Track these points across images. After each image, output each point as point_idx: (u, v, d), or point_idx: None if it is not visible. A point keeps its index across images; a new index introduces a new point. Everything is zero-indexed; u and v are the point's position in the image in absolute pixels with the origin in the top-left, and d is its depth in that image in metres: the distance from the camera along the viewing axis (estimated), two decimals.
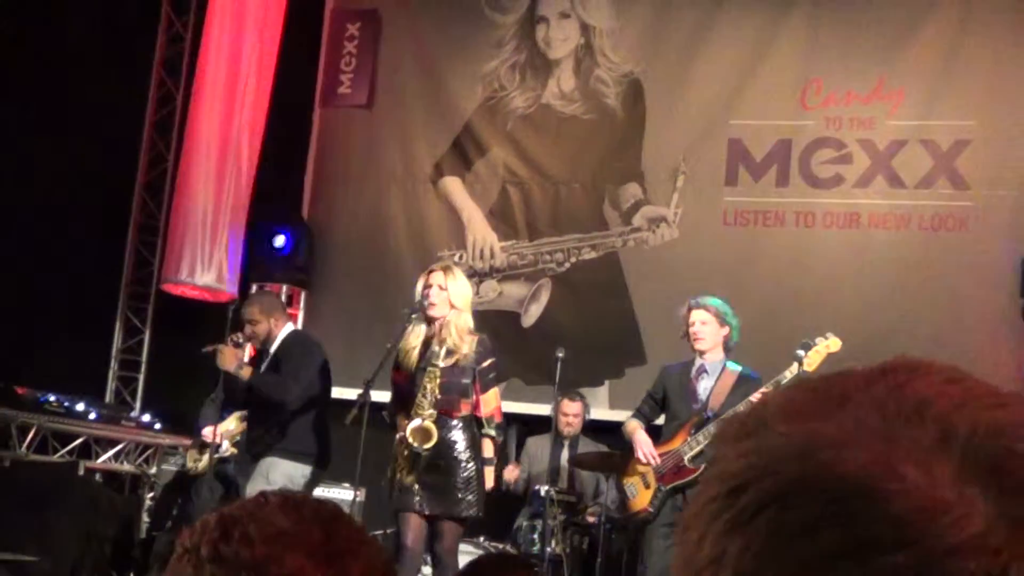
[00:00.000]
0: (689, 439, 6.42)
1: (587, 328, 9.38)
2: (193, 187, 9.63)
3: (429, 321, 6.28)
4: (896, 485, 0.60)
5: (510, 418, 7.24)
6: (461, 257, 9.74)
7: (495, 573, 3.24)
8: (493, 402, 6.40)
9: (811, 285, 8.99)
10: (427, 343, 6.26)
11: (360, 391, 6.33)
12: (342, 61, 10.42)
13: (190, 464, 8.00)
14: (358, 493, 7.66)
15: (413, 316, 6.33)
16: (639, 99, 9.69)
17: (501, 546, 7.44)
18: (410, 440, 6.09)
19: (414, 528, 6.15)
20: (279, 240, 9.92)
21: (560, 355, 7.05)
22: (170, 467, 9.03)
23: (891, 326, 8.54)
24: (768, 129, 9.32)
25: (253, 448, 7.05)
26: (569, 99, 9.86)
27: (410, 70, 10.30)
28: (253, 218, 9.90)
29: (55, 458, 8.46)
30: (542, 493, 7.43)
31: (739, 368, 6.58)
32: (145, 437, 9.14)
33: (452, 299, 6.22)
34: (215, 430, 7.28)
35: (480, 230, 9.90)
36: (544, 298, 9.68)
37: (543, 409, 8.22)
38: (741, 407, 6.23)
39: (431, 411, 6.14)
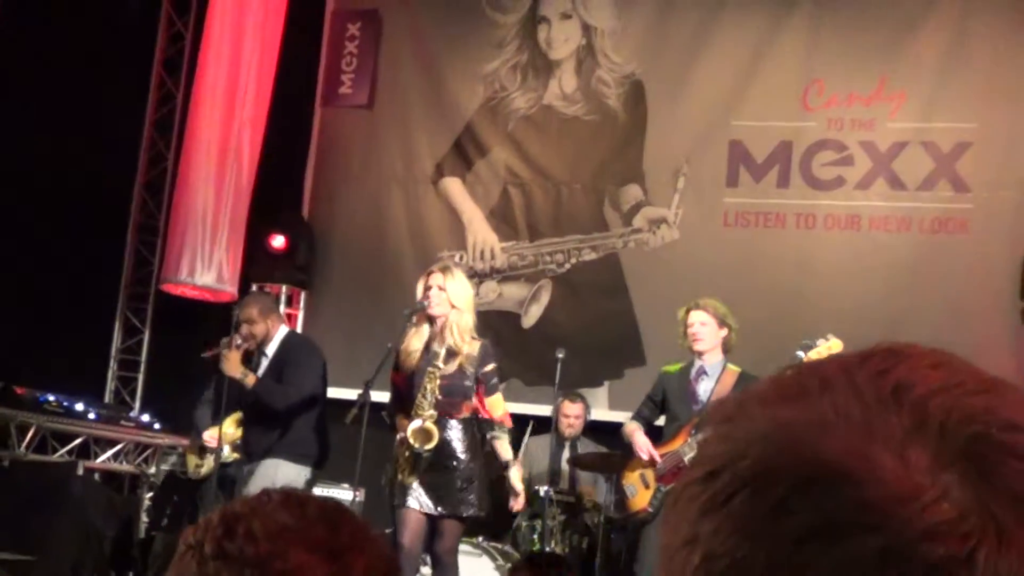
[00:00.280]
0: (690, 440, 6.42)
1: (587, 329, 9.38)
2: (193, 187, 9.62)
3: (430, 322, 6.28)
4: (868, 470, 0.60)
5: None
6: (461, 258, 9.73)
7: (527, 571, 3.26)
8: (500, 407, 6.39)
9: (812, 287, 8.98)
10: (428, 344, 6.26)
11: (360, 391, 6.34)
12: (343, 61, 10.41)
13: (191, 469, 8.00)
14: (357, 493, 7.66)
15: (413, 318, 6.32)
16: (640, 100, 9.69)
17: (500, 546, 7.43)
18: (411, 441, 6.09)
19: (412, 527, 6.15)
20: (279, 240, 9.91)
21: (560, 356, 7.05)
22: (167, 467, 9.04)
23: (891, 328, 8.52)
24: (769, 130, 9.32)
25: (251, 448, 7.05)
26: (570, 100, 9.86)
27: (411, 70, 10.29)
28: (253, 218, 9.88)
29: (54, 458, 8.45)
30: (541, 494, 7.43)
31: (739, 369, 6.58)
32: (144, 437, 9.13)
33: (452, 299, 6.21)
34: (219, 436, 7.30)
35: (480, 231, 9.89)
36: (544, 299, 9.68)
37: (543, 410, 8.22)
38: None
39: (431, 412, 6.13)
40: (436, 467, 6.15)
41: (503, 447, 6.40)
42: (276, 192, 10.21)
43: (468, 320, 6.27)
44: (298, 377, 6.94)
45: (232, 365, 6.88)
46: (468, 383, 6.24)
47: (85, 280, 9.99)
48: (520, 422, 8.61)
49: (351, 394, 6.76)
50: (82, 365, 10.02)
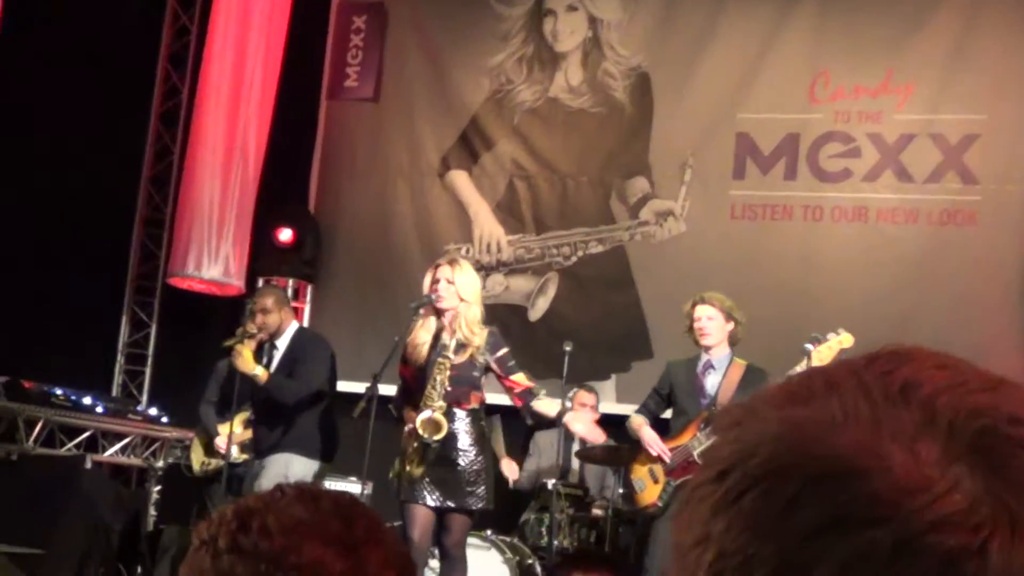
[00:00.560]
0: (698, 434, 6.40)
1: (594, 322, 9.37)
2: (199, 181, 9.63)
3: (438, 315, 6.27)
4: (878, 464, 0.60)
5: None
6: (468, 251, 9.73)
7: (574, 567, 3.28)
8: (525, 379, 6.33)
9: (819, 280, 8.97)
10: (437, 337, 6.25)
11: (367, 384, 6.35)
12: (348, 54, 10.41)
13: (197, 467, 8.00)
14: (365, 487, 7.66)
15: (420, 311, 6.32)
16: (647, 92, 9.67)
17: (509, 539, 7.43)
18: (420, 431, 6.08)
19: (421, 521, 6.14)
20: (285, 234, 9.91)
21: (567, 349, 7.02)
22: (172, 460, 9.05)
23: (898, 321, 8.52)
24: (776, 123, 9.31)
25: (261, 444, 7.08)
26: (576, 92, 9.85)
27: (416, 63, 10.29)
28: (259, 212, 9.89)
29: (62, 452, 8.46)
30: (549, 487, 7.42)
31: (746, 362, 6.56)
32: (152, 431, 9.14)
33: (460, 292, 6.20)
34: (229, 440, 7.33)
35: (487, 224, 9.89)
36: (551, 292, 9.67)
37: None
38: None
39: (441, 403, 6.12)
40: (443, 461, 6.15)
41: (549, 405, 6.31)
42: (282, 186, 10.22)
43: (476, 312, 6.26)
44: (309, 373, 6.97)
45: (246, 362, 6.89)
46: (476, 373, 6.23)
47: (91, 274, 9.99)
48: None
49: (357, 387, 6.77)
50: (89, 359, 10.03)
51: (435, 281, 6.22)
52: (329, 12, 10.51)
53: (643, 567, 6.70)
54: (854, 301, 8.58)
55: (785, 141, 9.25)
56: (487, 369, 6.26)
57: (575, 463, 8.20)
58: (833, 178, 9.14)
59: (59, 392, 8.43)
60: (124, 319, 10.67)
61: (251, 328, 7.04)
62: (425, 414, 6.10)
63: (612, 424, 8.14)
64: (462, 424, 6.22)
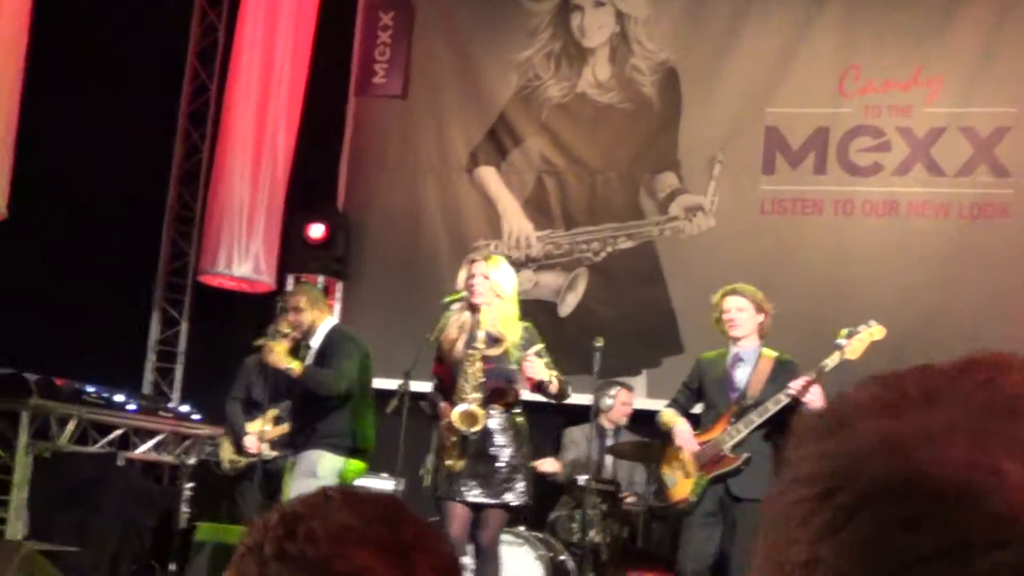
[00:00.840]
0: (729, 428, 6.38)
1: (624, 318, 9.35)
2: (229, 178, 9.66)
3: (472, 310, 6.25)
4: (995, 482, 0.58)
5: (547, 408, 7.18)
6: (497, 247, 9.71)
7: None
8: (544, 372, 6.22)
9: (849, 274, 8.93)
10: (471, 332, 6.22)
11: (400, 381, 6.34)
12: (376, 50, 10.41)
13: (226, 465, 8.02)
14: (398, 484, 7.67)
15: (453, 307, 6.30)
16: (675, 87, 9.64)
17: (541, 535, 7.42)
18: (457, 424, 6.06)
19: (459, 517, 6.13)
20: (315, 230, 9.92)
21: (598, 345, 7.00)
22: (203, 456, 9.07)
23: (930, 315, 8.48)
24: (805, 117, 9.27)
25: (296, 440, 7.09)
26: (604, 88, 9.82)
27: (444, 59, 10.28)
28: (289, 208, 9.91)
29: (94, 449, 8.49)
30: (580, 482, 7.41)
31: (775, 354, 6.53)
32: (183, 428, 9.16)
33: (496, 288, 6.18)
34: (259, 439, 7.35)
35: (516, 220, 9.88)
36: (581, 288, 9.66)
37: (582, 399, 8.18)
38: (782, 395, 6.21)
39: (475, 395, 6.10)
40: (481, 456, 6.14)
41: (540, 370, 6.11)
42: (311, 183, 10.23)
43: (512, 308, 6.25)
44: (335, 363, 6.96)
45: (279, 356, 6.90)
46: (513, 366, 6.21)
47: (122, 272, 10.03)
48: (558, 412, 8.60)
49: (388, 384, 6.76)
50: (120, 357, 10.06)
51: (471, 276, 6.20)
52: (356, 8, 10.52)
53: (675, 561, 6.68)
54: (885, 295, 8.54)
55: (815, 135, 9.21)
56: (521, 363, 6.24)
57: (608, 459, 8.18)
58: (863, 172, 9.10)
59: (91, 390, 8.45)
60: (155, 317, 10.70)
61: (284, 327, 7.05)
62: (461, 407, 6.08)
63: (643, 420, 8.13)
64: (499, 420, 6.21)
